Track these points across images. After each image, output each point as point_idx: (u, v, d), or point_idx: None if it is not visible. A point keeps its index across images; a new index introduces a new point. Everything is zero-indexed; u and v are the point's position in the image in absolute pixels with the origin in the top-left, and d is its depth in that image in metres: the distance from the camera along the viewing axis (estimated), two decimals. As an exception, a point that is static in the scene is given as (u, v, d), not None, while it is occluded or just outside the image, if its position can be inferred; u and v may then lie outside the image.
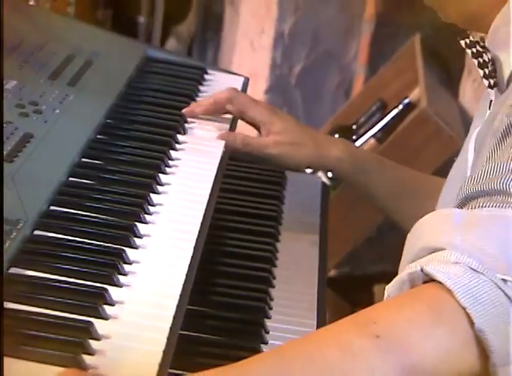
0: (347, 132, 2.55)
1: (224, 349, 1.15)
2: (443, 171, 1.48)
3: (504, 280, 0.86)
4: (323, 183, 1.70)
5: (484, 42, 1.15)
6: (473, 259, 0.86)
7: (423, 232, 0.94)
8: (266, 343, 1.18)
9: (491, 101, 1.16)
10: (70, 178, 1.15)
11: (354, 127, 2.59)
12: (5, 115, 1.21)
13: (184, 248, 1.05)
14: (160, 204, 1.14)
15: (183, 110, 1.41)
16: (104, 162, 1.22)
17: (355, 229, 2.24)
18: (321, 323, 1.27)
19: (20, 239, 0.99)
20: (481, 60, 1.13)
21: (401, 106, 2.42)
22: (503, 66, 1.12)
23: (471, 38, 1.15)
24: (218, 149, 1.34)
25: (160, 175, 1.21)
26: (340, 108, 2.95)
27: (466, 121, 2.19)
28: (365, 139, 2.49)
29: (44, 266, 0.97)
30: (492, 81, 1.13)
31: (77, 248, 1.01)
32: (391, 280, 0.91)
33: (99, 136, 1.28)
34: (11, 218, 1.00)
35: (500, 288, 0.85)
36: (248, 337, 1.19)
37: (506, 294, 0.85)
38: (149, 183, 1.17)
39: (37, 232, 1.03)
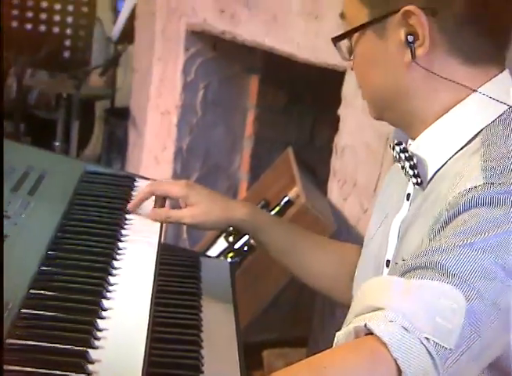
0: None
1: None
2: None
3: (427, 338, 0.92)
4: (231, 264, 1.74)
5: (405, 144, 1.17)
6: (405, 320, 0.91)
7: (370, 292, 0.99)
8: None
9: (409, 194, 1.20)
10: (42, 268, 1.17)
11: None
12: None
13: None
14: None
15: (128, 207, 1.45)
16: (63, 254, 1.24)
17: (255, 301, 2.23)
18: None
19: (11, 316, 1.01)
20: (411, 163, 1.15)
21: (282, 203, 2.46)
22: (428, 168, 1.15)
23: (403, 146, 1.17)
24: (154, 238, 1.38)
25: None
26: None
27: (334, 213, 2.26)
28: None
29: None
30: (418, 180, 1.15)
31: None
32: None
33: (58, 233, 1.31)
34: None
35: (424, 345, 0.91)
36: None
37: (427, 350, 0.91)
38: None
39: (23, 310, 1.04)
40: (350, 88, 2.22)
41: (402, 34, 1.11)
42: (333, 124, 2.30)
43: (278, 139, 3.08)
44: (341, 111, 2.26)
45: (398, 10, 1.10)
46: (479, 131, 1.11)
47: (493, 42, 1.13)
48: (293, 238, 1.51)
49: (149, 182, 1.67)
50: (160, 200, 1.48)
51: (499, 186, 1.01)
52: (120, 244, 1.32)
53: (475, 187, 1.02)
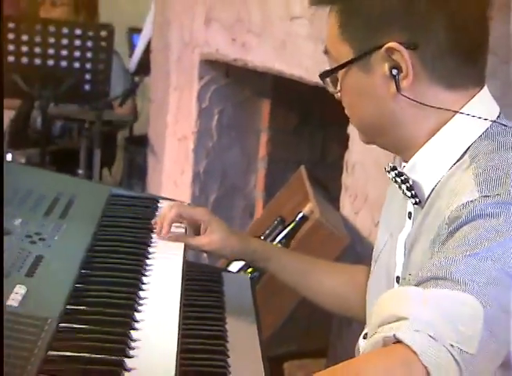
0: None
1: None
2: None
3: (452, 346, 0.93)
4: (252, 279, 1.76)
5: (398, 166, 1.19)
6: (430, 328, 0.93)
7: (389, 302, 0.99)
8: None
9: (410, 212, 1.22)
10: (76, 285, 1.21)
11: (261, 238, 2.57)
12: (19, 244, 1.27)
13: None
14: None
15: (155, 235, 1.46)
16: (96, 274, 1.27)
17: (274, 315, 2.22)
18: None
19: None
20: (408, 185, 1.17)
21: (297, 219, 2.46)
22: (423, 188, 1.17)
23: (397, 171, 1.19)
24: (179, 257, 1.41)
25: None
26: (247, 227, 3.00)
27: (347, 227, 2.27)
28: (272, 247, 2.50)
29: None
30: (416, 200, 1.17)
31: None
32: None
33: (89, 253, 1.34)
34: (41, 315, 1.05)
35: (449, 352, 0.93)
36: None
37: (453, 356, 0.93)
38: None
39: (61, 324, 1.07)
40: (357, 107, 2.24)
41: (385, 68, 1.13)
42: (343, 142, 2.32)
43: (291, 158, 3.10)
44: (350, 129, 2.29)
45: (381, 46, 1.12)
46: (467, 148, 1.13)
47: (472, 64, 1.15)
48: (303, 264, 1.55)
49: (171, 202, 1.71)
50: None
51: (495, 198, 1.03)
52: (147, 261, 1.35)
53: (472, 201, 1.03)
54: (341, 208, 2.33)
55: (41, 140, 3.28)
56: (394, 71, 1.12)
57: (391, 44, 1.11)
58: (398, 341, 0.93)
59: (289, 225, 2.52)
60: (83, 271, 1.27)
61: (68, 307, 1.13)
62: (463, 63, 1.13)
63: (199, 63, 2.97)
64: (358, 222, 2.25)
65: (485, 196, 1.03)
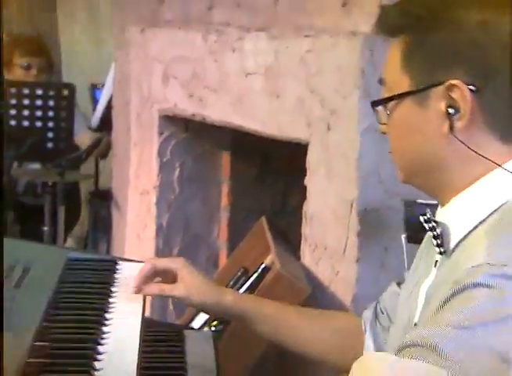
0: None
1: None
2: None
3: None
4: (215, 333, 1.72)
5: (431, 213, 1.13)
6: None
7: (367, 369, 0.96)
8: None
9: (436, 261, 1.15)
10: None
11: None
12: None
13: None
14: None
15: (134, 291, 1.42)
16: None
17: (242, 364, 2.17)
18: None
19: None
20: (435, 233, 1.11)
21: (259, 271, 2.43)
22: (451, 235, 1.10)
23: (428, 216, 1.12)
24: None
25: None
26: (211, 277, 2.97)
27: (308, 276, 2.24)
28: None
29: None
30: (442, 249, 1.11)
31: None
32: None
33: (44, 323, 1.28)
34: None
35: None
36: None
37: None
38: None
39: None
40: (313, 158, 2.24)
41: (442, 105, 1.07)
42: (303, 191, 2.31)
43: (252, 207, 3.07)
44: (307, 180, 2.27)
45: (442, 83, 1.06)
46: (500, 207, 1.06)
47: None
48: (281, 313, 1.50)
49: (130, 263, 1.67)
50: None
51: (500, 268, 0.95)
52: (104, 329, 1.30)
53: (476, 267, 0.97)
54: (302, 258, 2.30)
55: (4, 200, 3.22)
56: (451, 110, 1.06)
57: (455, 81, 1.06)
58: None
59: (252, 276, 2.48)
60: (36, 343, 1.21)
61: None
62: None
63: (158, 118, 2.95)
64: (319, 272, 2.23)
65: (492, 264, 0.96)
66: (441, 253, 1.12)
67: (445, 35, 1.07)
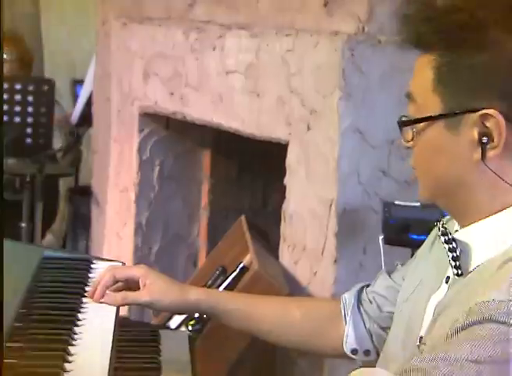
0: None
1: None
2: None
3: None
4: (192, 332, 1.70)
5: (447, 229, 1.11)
6: None
7: None
8: None
9: (448, 277, 1.13)
10: None
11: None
12: None
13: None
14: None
15: (88, 297, 1.39)
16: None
17: (220, 364, 2.16)
18: None
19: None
20: (454, 254, 1.09)
21: (238, 270, 2.41)
22: (472, 257, 1.08)
23: (447, 237, 1.10)
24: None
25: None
26: (190, 276, 2.94)
27: (286, 276, 2.23)
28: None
29: None
30: (459, 271, 1.09)
31: None
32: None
33: (16, 324, 1.25)
34: None
35: None
36: None
37: None
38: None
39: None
40: (293, 158, 2.22)
41: (475, 133, 1.04)
42: (283, 190, 2.29)
43: (232, 206, 3.06)
44: (287, 180, 2.26)
45: (477, 110, 1.03)
46: None
47: None
48: (249, 304, 1.48)
49: (105, 262, 1.65)
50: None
51: None
52: (76, 329, 1.27)
53: (498, 301, 0.95)
54: (281, 258, 2.29)
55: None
56: (485, 139, 1.03)
57: (490, 111, 1.03)
58: None
59: (230, 275, 2.46)
60: (8, 344, 1.18)
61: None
62: None
63: (138, 115, 2.93)
64: (298, 271, 2.22)
65: None
66: (457, 275, 1.10)
67: (484, 59, 1.03)
